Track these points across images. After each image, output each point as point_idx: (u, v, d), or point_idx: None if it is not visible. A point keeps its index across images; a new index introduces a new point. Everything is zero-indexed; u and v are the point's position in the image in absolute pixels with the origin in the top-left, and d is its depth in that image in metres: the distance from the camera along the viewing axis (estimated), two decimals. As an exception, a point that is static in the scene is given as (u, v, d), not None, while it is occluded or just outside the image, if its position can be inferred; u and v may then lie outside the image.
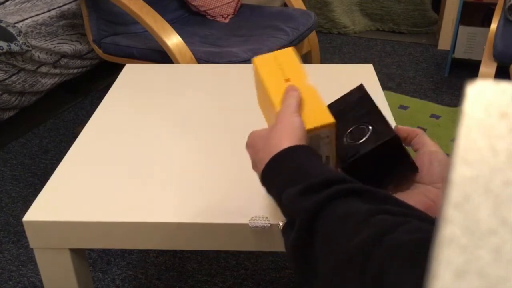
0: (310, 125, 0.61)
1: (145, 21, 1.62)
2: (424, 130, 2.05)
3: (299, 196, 0.50)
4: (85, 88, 2.42)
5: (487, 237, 0.19)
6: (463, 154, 0.22)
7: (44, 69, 2.00)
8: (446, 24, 2.81)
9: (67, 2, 2.11)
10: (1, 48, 1.75)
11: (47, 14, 2.00)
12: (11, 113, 1.98)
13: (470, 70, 2.54)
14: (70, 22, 2.10)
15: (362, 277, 0.40)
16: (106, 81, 2.46)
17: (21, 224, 1.59)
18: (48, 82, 2.05)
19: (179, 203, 0.78)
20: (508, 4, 2.10)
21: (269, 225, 0.73)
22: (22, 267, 1.44)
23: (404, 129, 0.66)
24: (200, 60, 1.63)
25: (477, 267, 0.18)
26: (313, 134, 0.63)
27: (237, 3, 2.10)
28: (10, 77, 1.85)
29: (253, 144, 0.63)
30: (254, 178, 0.62)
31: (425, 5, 3.00)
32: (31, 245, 0.77)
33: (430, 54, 2.81)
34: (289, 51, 0.71)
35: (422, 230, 0.41)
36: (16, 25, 1.85)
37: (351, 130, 0.65)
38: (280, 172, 0.56)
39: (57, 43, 2.02)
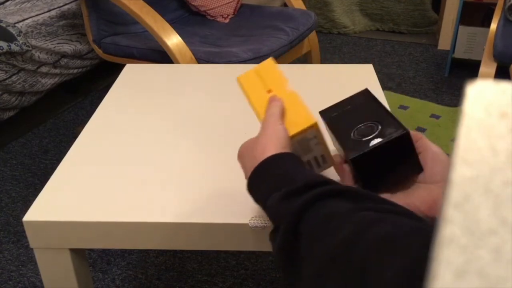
0: (293, 130, 0.64)
1: (145, 21, 1.62)
2: (424, 130, 2.05)
3: (283, 200, 0.52)
4: (85, 88, 2.42)
5: (487, 237, 0.19)
6: (463, 154, 0.22)
7: (44, 69, 2.00)
8: (446, 24, 2.81)
9: (67, 2, 2.11)
10: (1, 48, 1.75)
11: (47, 14, 2.01)
12: (11, 113, 1.98)
13: (470, 70, 2.54)
14: (70, 22, 2.10)
15: (345, 274, 0.41)
16: (106, 81, 2.46)
17: (21, 224, 1.59)
18: (48, 82, 2.05)
19: (179, 203, 0.78)
20: (508, 4, 2.10)
21: (269, 225, 0.73)
22: (22, 267, 1.44)
23: None
24: (200, 60, 1.63)
25: (477, 267, 0.18)
26: (299, 138, 0.65)
27: (237, 3, 2.10)
28: (10, 77, 1.85)
29: (241, 155, 0.65)
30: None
31: (425, 5, 3.00)
32: (31, 245, 0.77)
33: (430, 54, 2.81)
34: (269, 62, 0.74)
35: (403, 224, 0.42)
36: (16, 25, 1.85)
37: (359, 127, 0.65)
38: (265, 179, 0.57)
39: (57, 43, 2.02)
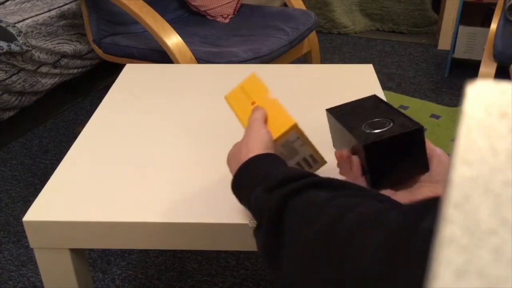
0: (276, 134, 0.67)
1: (145, 21, 1.62)
2: (424, 130, 2.05)
3: (264, 194, 0.53)
4: (85, 88, 2.42)
5: (487, 237, 0.19)
6: (463, 154, 0.22)
7: (44, 69, 2.00)
8: (446, 24, 2.81)
9: (67, 2, 2.11)
10: (1, 48, 1.75)
11: (47, 14, 2.01)
12: (11, 113, 1.98)
13: (470, 70, 2.54)
14: (70, 22, 2.10)
15: (327, 255, 0.42)
16: (106, 81, 2.46)
17: (21, 224, 1.59)
18: (48, 82, 2.05)
19: (179, 203, 0.78)
20: (508, 4, 2.10)
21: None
22: (22, 267, 1.44)
23: None
24: (200, 60, 1.63)
25: (477, 267, 0.18)
26: (283, 141, 0.68)
27: (237, 3, 2.10)
28: (10, 77, 1.85)
29: (228, 160, 0.68)
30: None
31: (425, 5, 3.00)
32: (31, 245, 0.77)
33: (430, 54, 2.81)
34: (252, 76, 0.79)
35: (380, 207, 0.43)
36: (16, 25, 1.85)
37: (370, 122, 0.65)
38: (248, 178, 0.59)
39: (57, 43, 2.02)
